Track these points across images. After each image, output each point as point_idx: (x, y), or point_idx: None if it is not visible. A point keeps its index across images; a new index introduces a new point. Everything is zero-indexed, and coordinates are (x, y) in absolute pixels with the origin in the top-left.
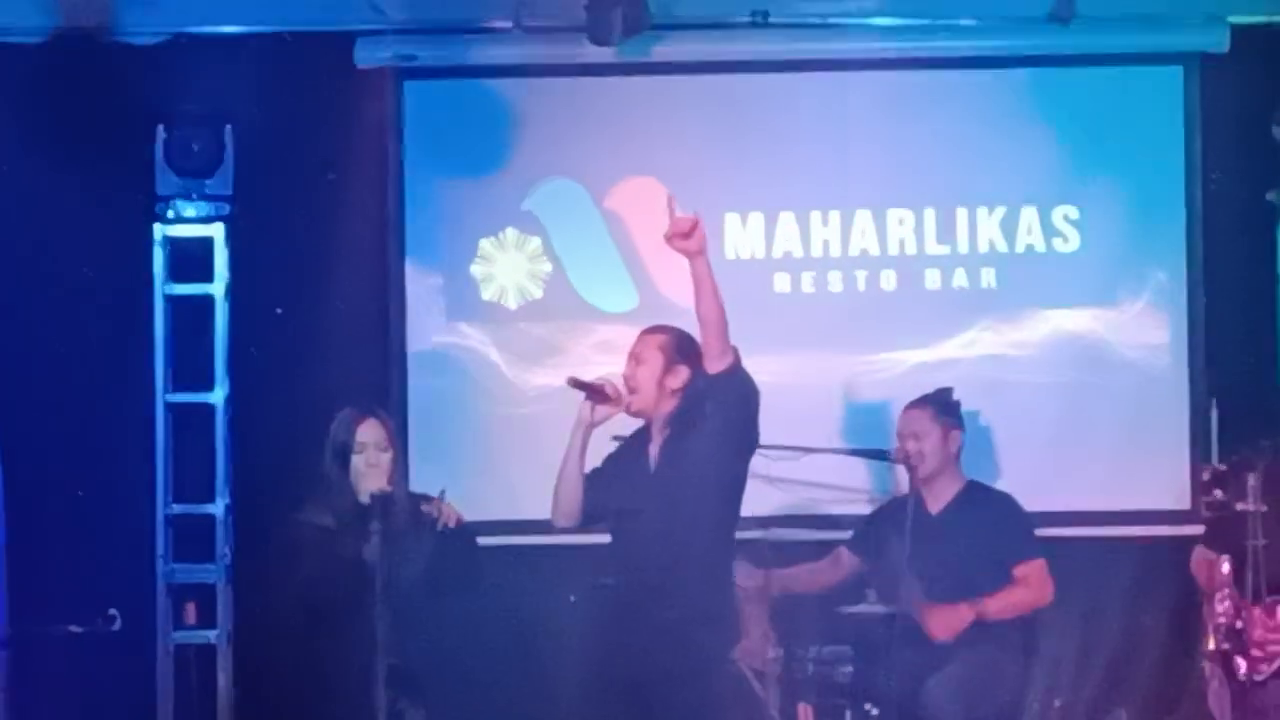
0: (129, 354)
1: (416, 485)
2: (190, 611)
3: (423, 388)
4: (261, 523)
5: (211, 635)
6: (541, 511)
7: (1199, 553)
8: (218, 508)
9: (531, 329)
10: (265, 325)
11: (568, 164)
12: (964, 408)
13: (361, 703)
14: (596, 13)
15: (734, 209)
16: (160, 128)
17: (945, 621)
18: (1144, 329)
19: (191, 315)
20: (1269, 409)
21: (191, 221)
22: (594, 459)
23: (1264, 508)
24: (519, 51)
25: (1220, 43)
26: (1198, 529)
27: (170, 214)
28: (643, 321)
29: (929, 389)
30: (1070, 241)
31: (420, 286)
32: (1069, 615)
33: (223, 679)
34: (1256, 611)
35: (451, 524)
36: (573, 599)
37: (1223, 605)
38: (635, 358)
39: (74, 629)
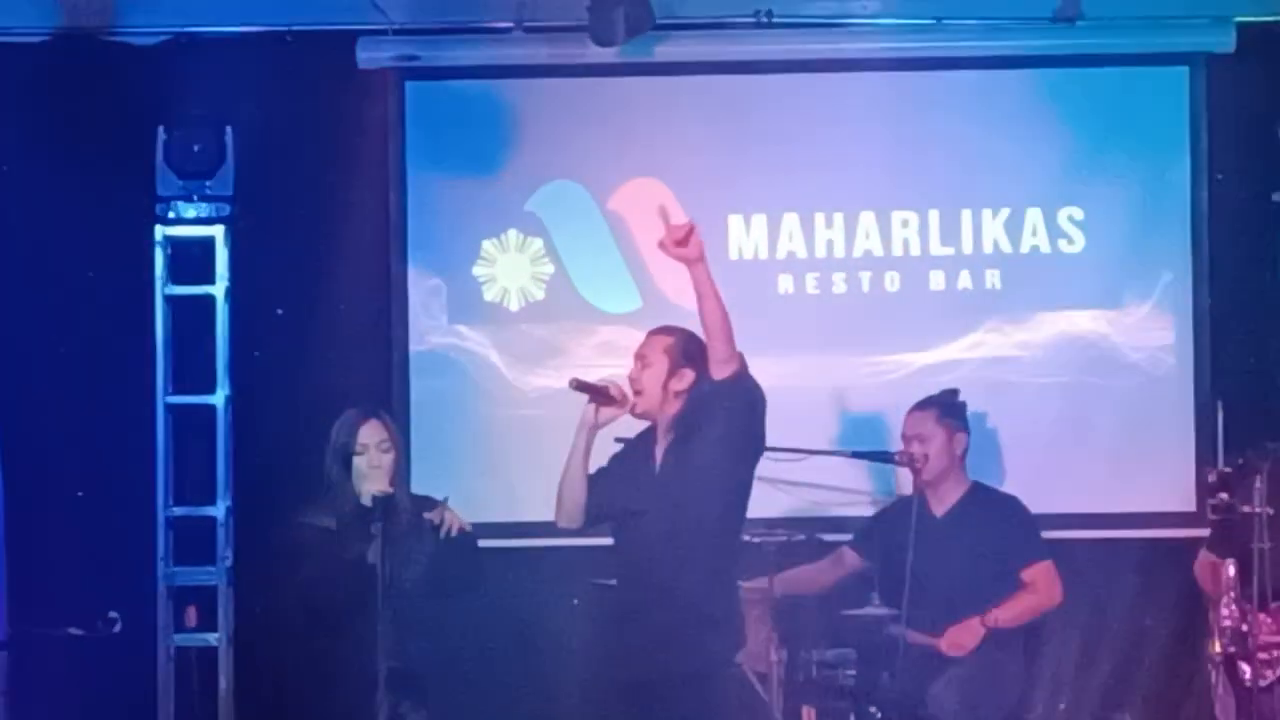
0: (129, 355)
1: (418, 487)
2: (191, 614)
3: (425, 389)
4: (263, 525)
5: (212, 638)
6: (543, 514)
7: (1203, 557)
8: (219, 510)
9: (533, 330)
10: (266, 327)
11: (570, 165)
12: (969, 409)
13: (363, 705)
14: (599, 13)
15: (737, 210)
16: (161, 128)
17: (958, 639)
18: (1149, 330)
19: (192, 316)
20: (1274, 411)
21: (192, 222)
22: (598, 459)
23: (1269, 510)
24: (521, 52)
25: (1226, 43)
26: (1203, 531)
27: (171, 215)
28: (645, 323)
29: (933, 390)
30: (1075, 243)
31: (422, 288)
32: (1073, 618)
33: (224, 682)
34: (1262, 615)
35: (455, 532)
36: (575, 601)
37: (1228, 609)
38: (641, 359)
39: (74, 631)
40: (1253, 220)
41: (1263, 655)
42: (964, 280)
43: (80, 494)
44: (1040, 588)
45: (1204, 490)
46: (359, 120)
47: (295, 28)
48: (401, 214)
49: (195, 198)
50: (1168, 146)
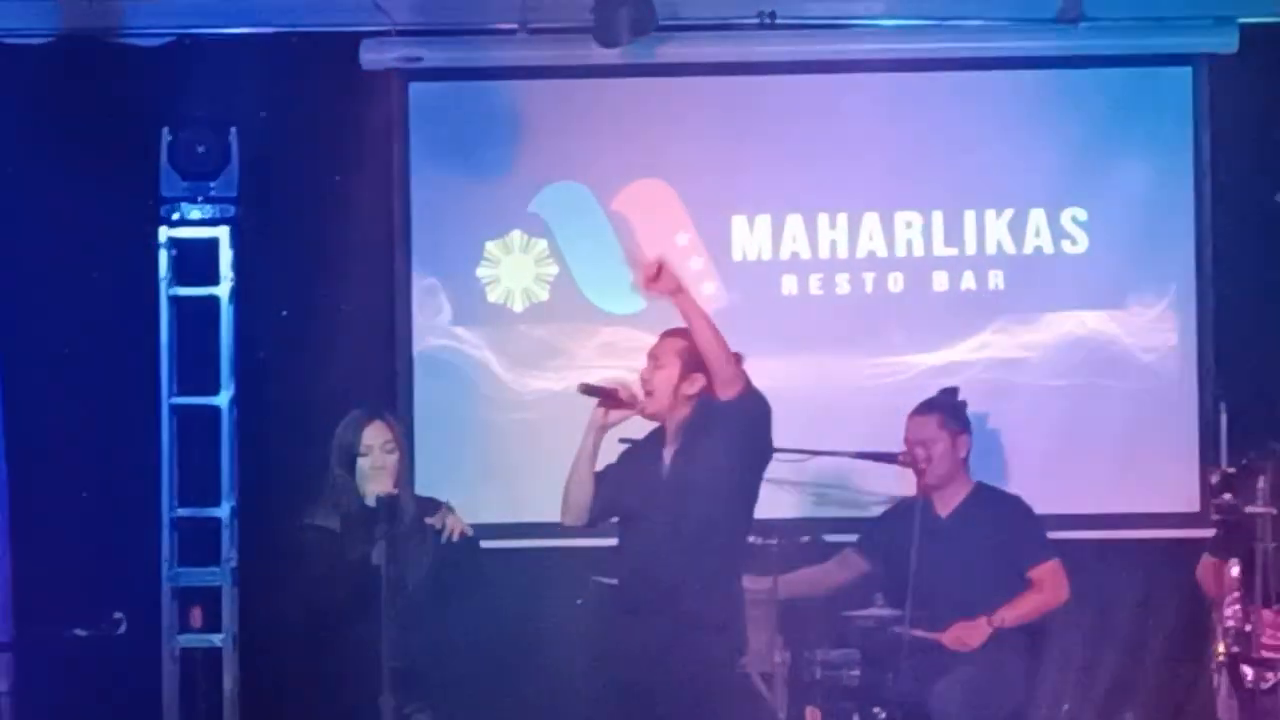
0: (134, 357)
1: (422, 488)
2: (196, 615)
3: (429, 390)
4: (267, 526)
5: (217, 639)
6: (547, 515)
7: (1205, 560)
8: (223, 511)
9: (538, 331)
10: (271, 328)
11: (574, 166)
12: (972, 410)
13: (368, 706)
14: (603, 14)
15: (741, 211)
16: (165, 130)
17: (963, 637)
18: (1153, 331)
19: (197, 318)
20: (1278, 411)
21: (197, 224)
22: (604, 457)
23: (1273, 510)
24: (525, 53)
25: (1229, 44)
26: (1206, 532)
27: (175, 216)
28: (649, 324)
29: (935, 391)
30: (1079, 243)
31: (425, 289)
32: (1077, 618)
33: (228, 683)
34: (1266, 615)
35: (456, 536)
36: (579, 601)
37: (1231, 609)
38: (654, 360)
39: (79, 632)
40: (1256, 221)
41: (1269, 654)
42: (967, 281)
43: (85, 495)
44: (1047, 587)
45: (1208, 491)
46: (363, 121)
47: (299, 29)
48: (405, 215)
49: (200, 199)
50: (1171, 147)
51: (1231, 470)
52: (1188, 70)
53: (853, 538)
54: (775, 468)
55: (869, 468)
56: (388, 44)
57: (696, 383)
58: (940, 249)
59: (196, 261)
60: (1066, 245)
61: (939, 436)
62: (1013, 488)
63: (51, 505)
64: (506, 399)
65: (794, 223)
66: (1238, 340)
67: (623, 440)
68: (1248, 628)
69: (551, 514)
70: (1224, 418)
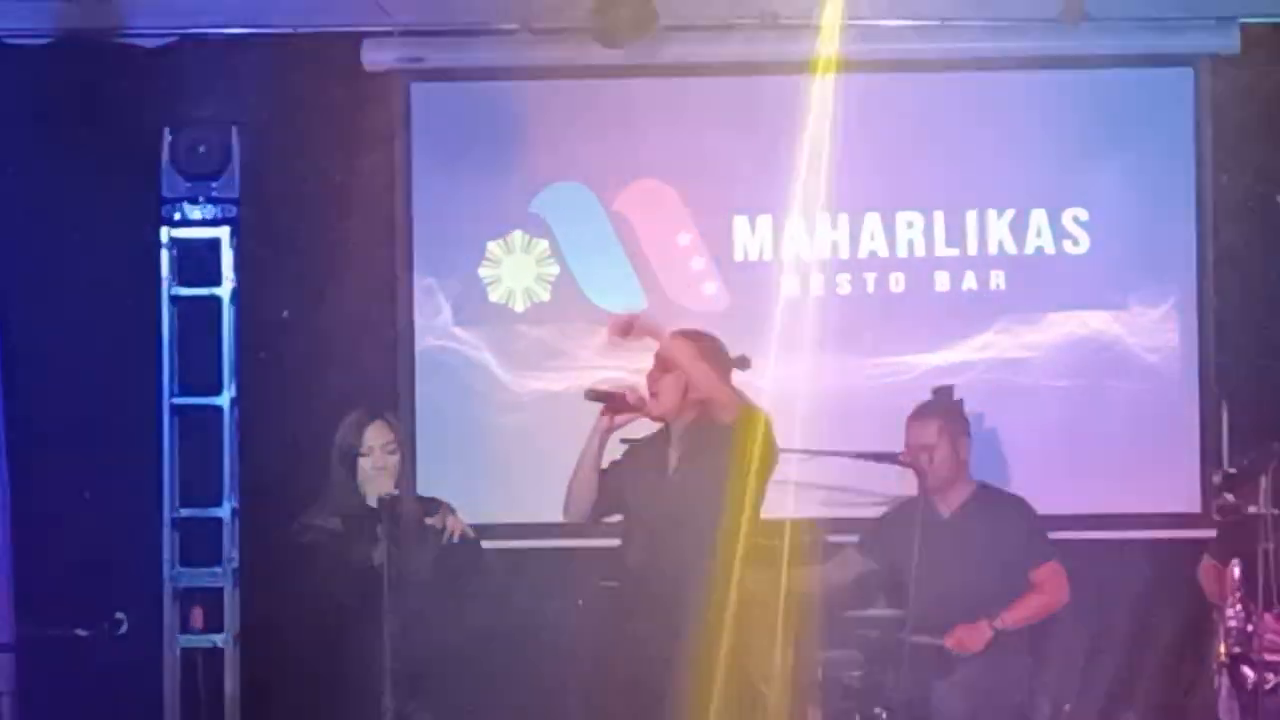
0: (136, 357)
1: (423, 488)
2: (197, 615)
3: (430, 391)
4: (269, 526)
5: (219, 639)
6: (549, 515)
7: (1205, 562)
8: (225, 511)
9: (539, 332)
10: (272, 328)
11: (575, 166)
12: (973, 410)
13: (369, 706)
14: (604, 14)
15: (742, 211)
16: (167, 130)
17: (964, 640)
18: (1154, 331)
19: (198, 318)
20: None
21: (198, 224)
22: (607, 455)
23: (1275, 511)
24: (526, 53)
25: (1231, 44)
26: (1208, 532)
27: (177, 216)
28: None
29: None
30: (1080, 244)
31: (427, 289)
32: (1078, 619)
33: (230, 683)
34: (1268, 616)
35: (457, 537)
36: (580, 602)
37: (1233, 610)
38: (662, 363)
39: (81, 633)
40: (1258, 221)
41: (1271, 655)
42: (969, 281)
43: (86, 495)
44: (1048, 588)
45: (1209, 491)
46: (364, 122)
47: (301, 30)
48: (407, 215)
49: (201, 199)
50: (1172, 148)
51: (1233, 471)
52: (1189, 71)
53: (854, 538)
54: (777, 468)
55: (870, 468)
56: (389, 44)
57: None
58: (942, 249)
59: (198, 262)
60: (1068, 245)
61: (940, 440)
62: (1014, 488)
63: (53, 505)
64: (508, 399)
65: (795, 223)
66: (1239, 341)
67: (624, 440)
68: (1249, 629)
69: (553, 515)
70: (1225, 418)
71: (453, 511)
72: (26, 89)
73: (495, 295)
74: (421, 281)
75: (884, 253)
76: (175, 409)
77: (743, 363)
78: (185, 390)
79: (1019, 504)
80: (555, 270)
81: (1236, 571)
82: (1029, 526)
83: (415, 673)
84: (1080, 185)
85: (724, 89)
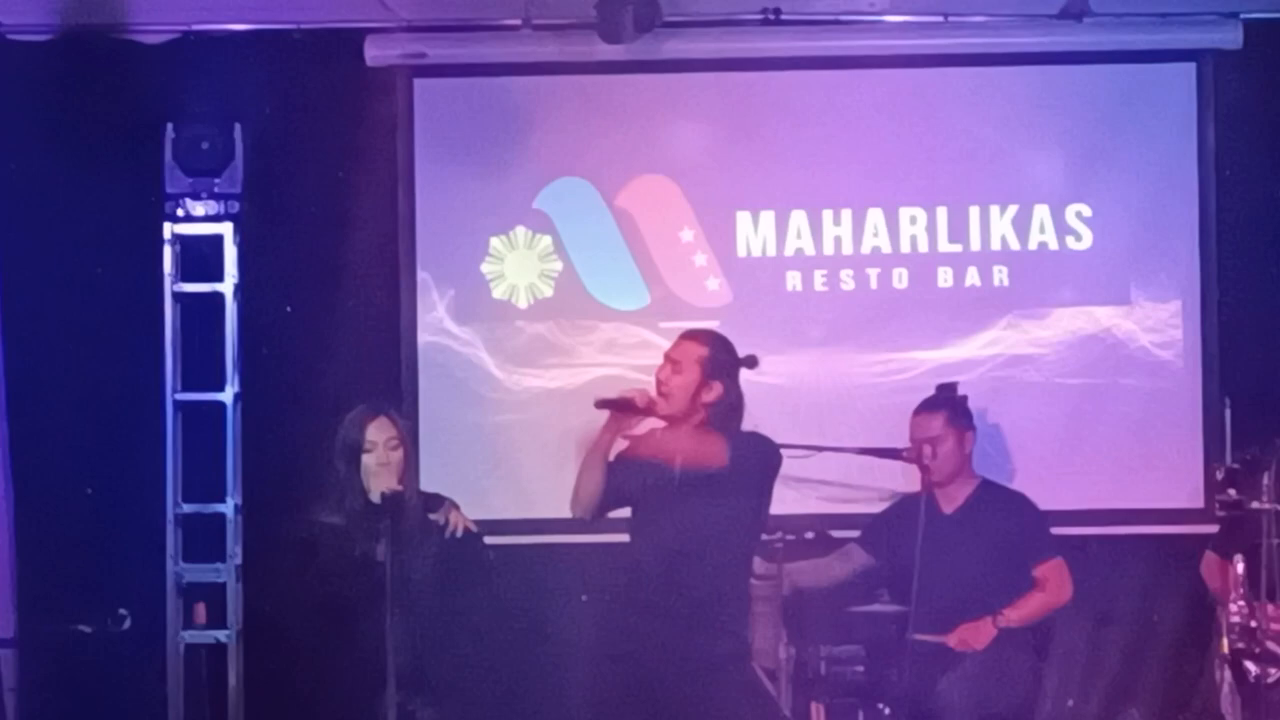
0: (139, 352)
1: (426, 484)
2: (200, 611)
3: (433, 386)
4: (272, 522)
5: (222, 635)
6: (552, 511)
7: (1208, 557)
8: (228, 507)
9: (542, 327)
10: (275, 324)
11: (578, 162)
12: (976, 406)
13: (372, 702)
14: (607, 10)
15: (745, 207)
16: (169, 126)
17: (968, 638)
18: (1157, 327)
19: (201, 314)
20: None
21: (201, 220)
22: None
23: (1278, 506)
24: (529, 49)
25: (1234, 40)
26: (1211, 527)
27: (180, 212)
28: (654, 320)
29: (935, 387)
30: (1083, 239)
31: (430, 285)
32: (1081, 614)
33: (233, 678)
34: (1270, 609)
35: (460, 532)
36: (584, 598)
37: (1236, 605)
38: (673, 364)
39: (84, 629)
40: (1261, 216)
41: (1272, 645)
42: (972, 277)
43: (89, 491)
44: (1051, 585)
45: (1212, 487)
46: (367, 117)
47: (304, 25)
48: (410, 211)
49: (204, 195)
50: (1175, 143)
51: (1236, 466)
52: (1192, 66)
53: (856, 534)
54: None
55: (872, 464)
56: (392, 40)
57: (715, 390)
58: (944, 245)
59: (201, 258)
60: (1071, 241)
61: (945, 434)
62: (1016, 483)
63: (56, 501)
64: (511, 395)
65: (798, 218)
66: (1243, 336)
67: (626, 437)
68: (1252, 624)
69: (556, 510)
70: (1228, 413)
71: (456, 507)
72: (30, 85)
73: (498, 291)
74: (424, 277)
75: (887, 248)
76: (178, 405)
77: (751, 361)
78: (188, 386)
79: (1022, 500)
80: (558, 266)
81: (1240, 567)
82: (1032, 523)
83: (418, 668)
84: (1083, 181)
85: (727, 84)
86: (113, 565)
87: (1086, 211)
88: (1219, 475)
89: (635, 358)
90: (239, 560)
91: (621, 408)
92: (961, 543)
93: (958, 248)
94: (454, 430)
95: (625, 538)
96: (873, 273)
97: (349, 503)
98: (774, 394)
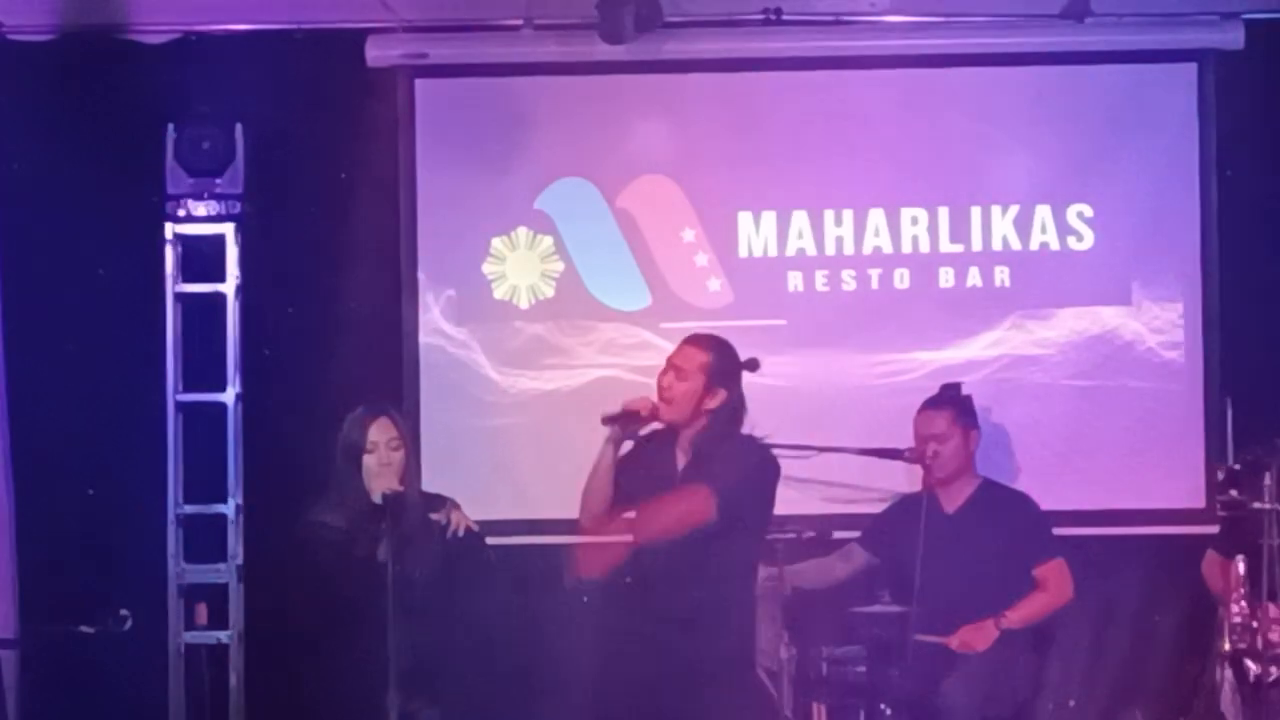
0: (140, 353)
1: (428, 484)
2: (202, 612)
3: (434, 387)
4: (273, 523)
5: (223, 635)
6: (553, 511)
7: (1210, 556)
8: (229, 508)
9: (543, 328)
10: (277, 324)
11: (579, 162)
12: (977, 406)
13: (374, 702)
14: (608, 10)
15: (747, 207)
16: (171, 126)
17: (969, 639)
18: (1159, 327)
19: (203, 314)
20: None
21: (202, 220)
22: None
23: (1279, 506)
24: (530, 49)
25: (1235, 40)
26: (1212, 528)
27: (181, 213)
28: (655, 320)
29: (939, 387)
30: (1084, 239)
31: (431, 285)
32: (1083, 614)
33: (234, 679)
34: (1271, 608)
35: (461, 532)
36: (585, 599)
37: (1237, 605)
38: (676, 370)
39: (85, 629)
40: (1262, 216)
41: (1273, 640)
42: (973, 277)
43: (91, 491)
44: (1052, 586)
45: (1213, 487)
46: (368, 118)
47: (304, 26)
48: (411, 211)
49: (205, 195)
50: (1177, 143)
51: (1237, 466)
52: (1193, 66)
53: (857, 534)
54: (782, 464)
55: (873, 464)
56: (393, 40)
57: (718, 397)
58: (946, 245)
59: (202, 258)
60: (1072, 241)
61: (951, 432)
62: (1017, 483)
63: (57, 501)
64: (512, 396)
65: (799, 219)
66: (1244, 336)
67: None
68: (1254, 624)
69: (558, 511)
70: (1230, 414)
71: (457, 507)
72: (31, 85)
73: (500, 292)
74: (425, 278)
75: (888, 248)
76: (180, 405)
77: (752, 364)
78: (190, 386)
79: (1024, 501)
80: (560, 266)
81: (1241, 567)
82: (1033, 523)
83: (420, 669)
84: (1084, 181)
85: (728, 85)
86: (114, 566)
87: (1088, 212)
88: (1220, 475)
89: (638, 359)
90: (240, 561)
91: (626, 421)
92: (963, 542)
93: (959, 248)
94: (455, 431)
95: (626, 537)
96: (874, 273)
97: (350, 503)
98: (775, 394)
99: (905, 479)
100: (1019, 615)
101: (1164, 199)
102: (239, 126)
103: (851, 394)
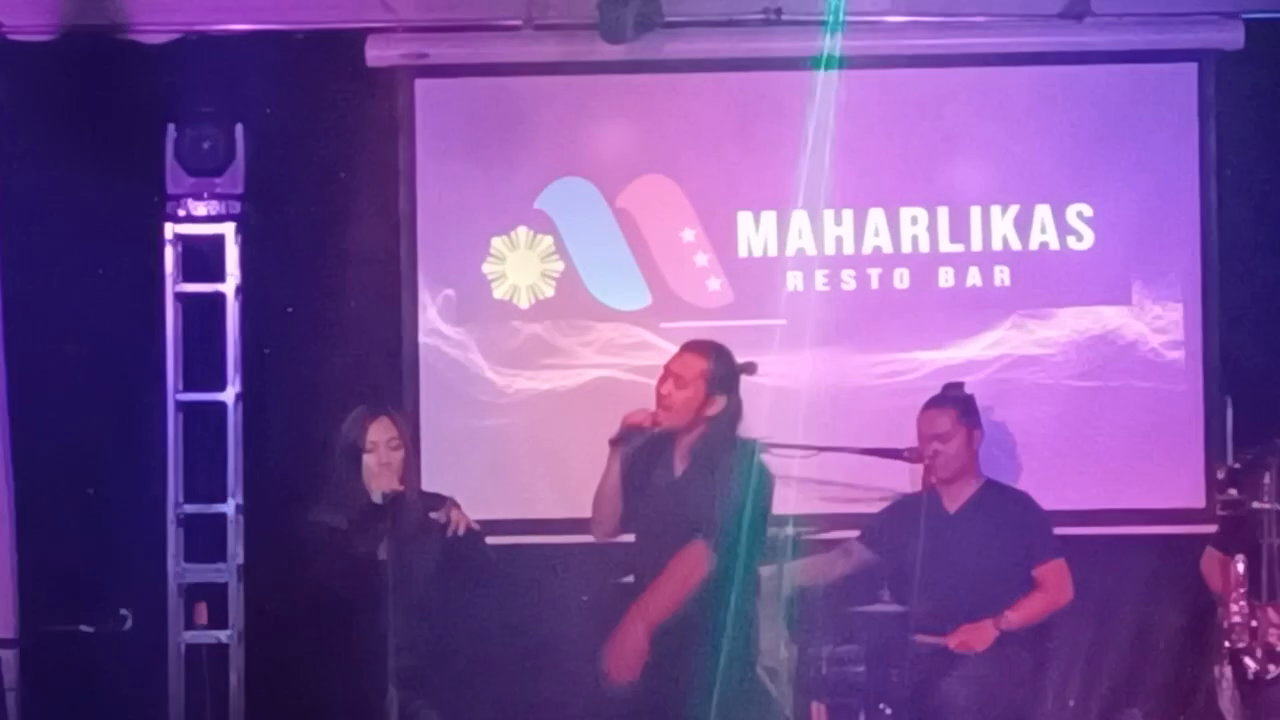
0: (140, 353)
1: (428, 484)
2: (202, 611)
3: (434, 386)
4: (273, 522)
5: (223, 635)
6: (553, 511)
7: (1209, 554)
8: (229, 507)
9: (543, 328)
10: (277, 324)
11: (579, 162)
12: (980, 405)
13: (374, 702)
14: (608, 10)
15: (746, 207)
16: (171, 126)
17: (968, 640)
18: (1158, 327)
19: (203, 314)
20: None
21: (202, 220)
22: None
23: (1279, 506)
24: (530, 49)
25: (1235, 40)
26: (1212, 528)
27: (181, 212)
28: (655, 320)
29: (940, 386)
30: (1084, 239)
31: (431, 285)
32: (1083, 614)
33: (234, 679)
34: (1270, 610)
35: (461, 530)
36: (585, 598)
37: (1237, 605)
38: (675, 379)
39: (85, 629)
40: (1262, 216)
41: (1272, 641)
42: (973, 277)
43: (90, 491)
44: (1052, 587)
45: (1213, 486)
46: (368, 118)
47: (305, 26)
48: (411, 211)
49: (205, 195)
50: (1176, 143)
51: (1237, 466)
52: (1193, 66)
53: (856, 534)
54: (781, 464)
55: (873, 464)
56: (393, 40)
57: (718, 404)
58: (946, 245)
59: (202, 258)
60: (1072, 241)
61: (954, 430)
62: (1017, 483)
63: (57, 501)
64: (511, 395)
65: (799, 218)
66: (1244, 336)
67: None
68: (1253, 624)
69: (556, 510)
70: (1230, 413)
71: (456, 506)
72: (31, 85)
73: (500, 292)
74: (425, 277)
75: (888, 248)
76: (180, 405)
77: (750, 368)
78: (190, 386)
79: (1026, 501)
80: (560, 266)
81: (1241, 567)
82: (1035, 523)
83: (420, 668)
84: (1084, 181)
85: (727, 84)
86: (114, 565)
87: (1088, 211)
88: (1220, 475)
89: (636, 359)
90: (240, 560)
91: (630, 437)
92: (965, 542)
93: (959, 248)
94: (454, 430)
95: (627, 538)
96: (874, 273)
97: (350, 503)
98: (775, 394)
99: (906, 479)
100: (1018, 616)
101: (1164, 199)
102: (239, 126)
103: (851, 393)
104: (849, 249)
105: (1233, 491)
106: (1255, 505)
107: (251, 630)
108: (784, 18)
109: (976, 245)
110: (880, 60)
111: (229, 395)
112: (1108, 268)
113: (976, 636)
